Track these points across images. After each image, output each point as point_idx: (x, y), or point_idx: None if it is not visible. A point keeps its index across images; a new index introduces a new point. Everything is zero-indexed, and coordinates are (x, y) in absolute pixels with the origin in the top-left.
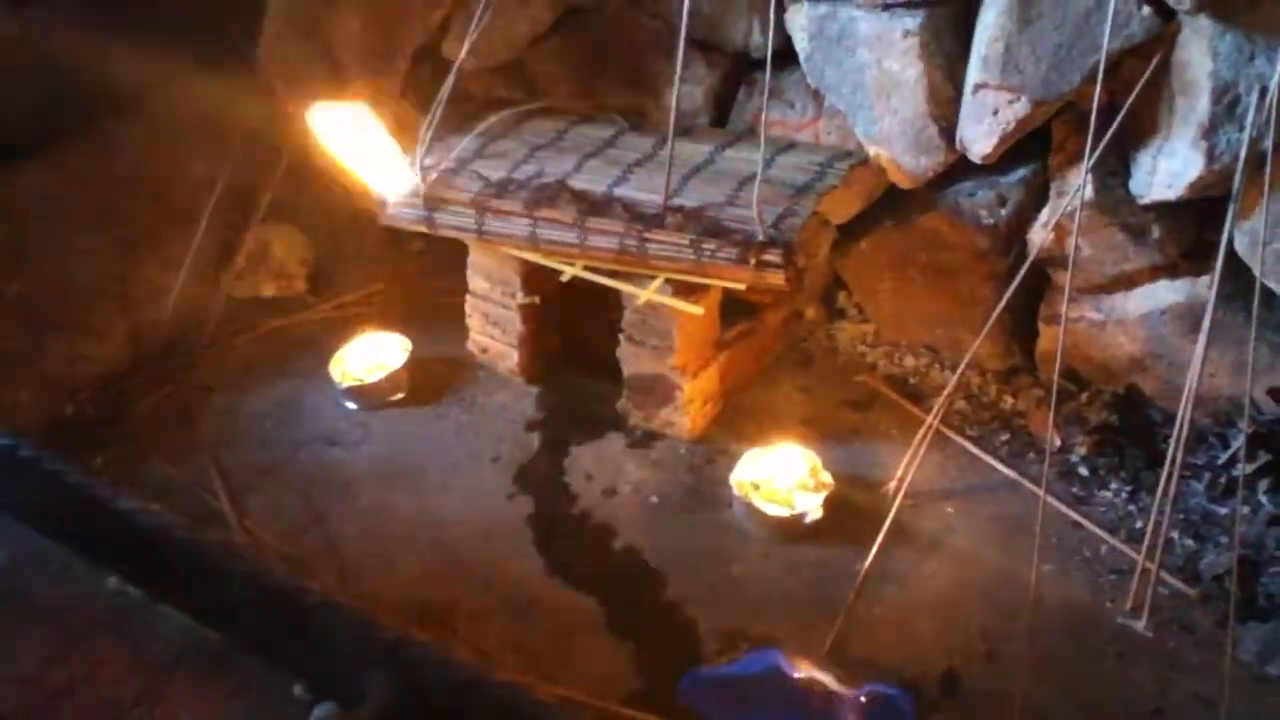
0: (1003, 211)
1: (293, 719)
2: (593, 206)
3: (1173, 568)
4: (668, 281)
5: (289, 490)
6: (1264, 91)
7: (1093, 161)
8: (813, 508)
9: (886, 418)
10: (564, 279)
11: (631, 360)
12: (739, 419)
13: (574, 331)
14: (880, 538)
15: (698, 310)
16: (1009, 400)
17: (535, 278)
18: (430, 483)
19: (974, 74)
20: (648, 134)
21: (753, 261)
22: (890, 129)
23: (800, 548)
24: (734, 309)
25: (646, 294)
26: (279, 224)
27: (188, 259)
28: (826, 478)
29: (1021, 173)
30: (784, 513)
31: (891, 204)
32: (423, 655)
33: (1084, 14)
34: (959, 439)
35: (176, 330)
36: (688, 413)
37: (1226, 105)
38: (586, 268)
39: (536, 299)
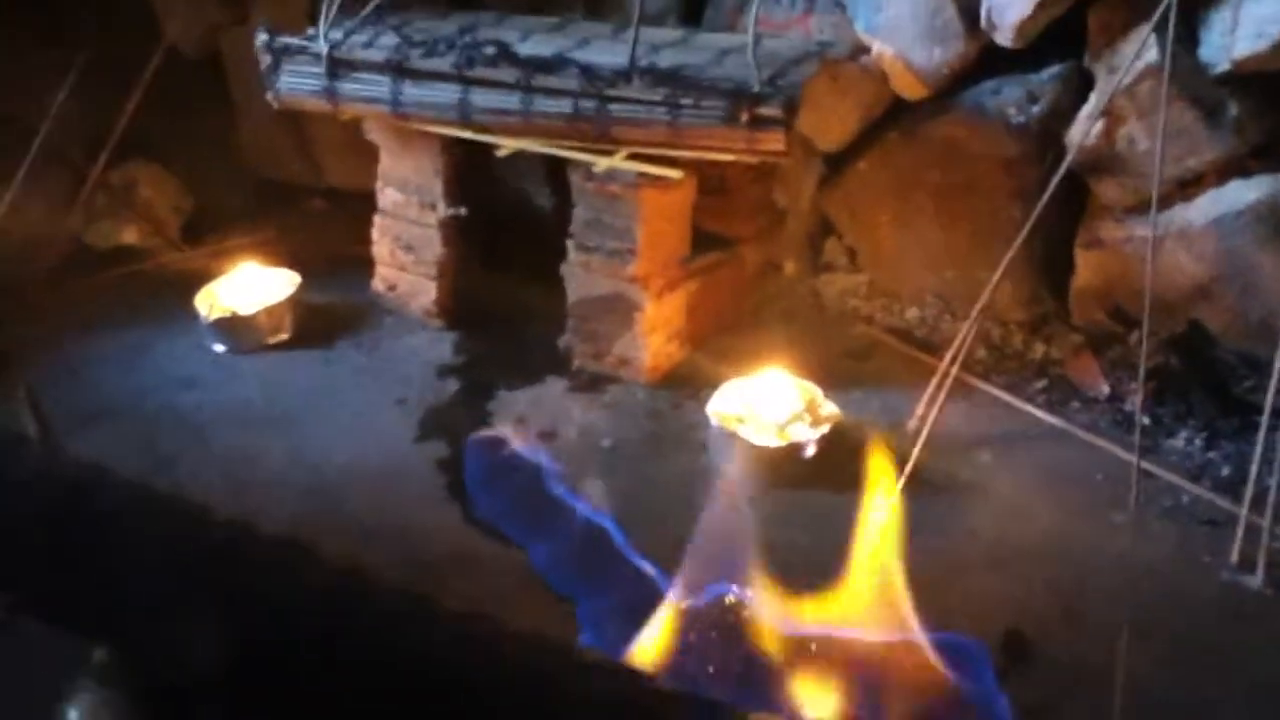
0: (1034, 109)
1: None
2: (540, 67)
3: (1276, 520)
4: (634, 158)
5: (127, 436)
6: None
7: (1165, 6)
8: (812, 439)
9: (894, 366)
10: (501, 153)
11: (580, 277)
12: (710, 365)
13: (504, 264)
14: (909, 467)
15: (674, 174)
16: (1040, 349)
17: (462, 183)
18: (311, 426)
19: None
20: (605, 22)
21: (744, 118)
22: (897, 16)
23: (798, 494)
24: (703, 242)
25: (610, 161)
26: (148, 163)
27: (15, 182)
28: (831, 409)
29: (1055, 69)
30: (776, 443)
31: (895, 120)
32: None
33: None
34: (987, 387)
35: (7, 266)
36: (648, 347)
37: None
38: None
39: (463, 210)
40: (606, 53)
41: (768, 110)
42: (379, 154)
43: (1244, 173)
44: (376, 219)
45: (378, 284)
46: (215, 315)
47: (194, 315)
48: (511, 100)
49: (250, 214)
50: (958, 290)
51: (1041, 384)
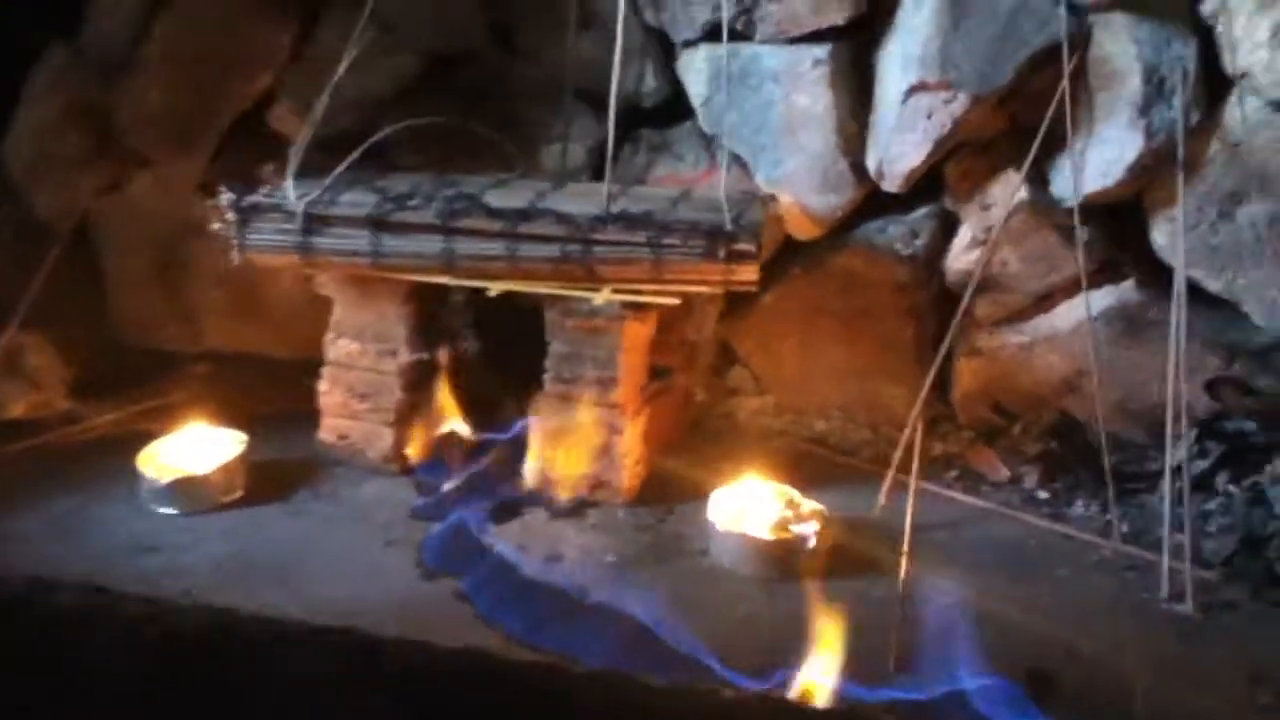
0: (917, 242)
1: None
2: (521, 216)
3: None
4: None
5: None
6: (1185, 72)
7: (1032, 156)
8: (812, 531)
9: (823, 469)
10: (492, 293)
11: (556, 408)
12: (672, 482)
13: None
14: (905, 547)
15: (673, 301)
16: (939, 446)
17: (426, 331)
18: (311, 573)
19: (907, 78)
20: (539, 180)
21: (722, 253)
22: (796, 169)
23: (804, 582)
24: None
25: (604, 296)
26: (32, 332)
27: None
28: (813, 505)
29: (926, 210)
30: (780, 538)
31: (794, 256)
32: None
33: (1010, 12)
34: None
35: None
36: (624, 467)
37: (1155, 85)
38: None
39: (425, 355)
40: (567, 203)
41: (742, 245)
42: (331, 307)
43: (1094, 285)
44: (326, 370)
45: (326, 435)
46: (168, 477)
47: (115, 480)
48: (497, 247)
49: (130, 382)
50: (860, 401)
51: (954, 473)
